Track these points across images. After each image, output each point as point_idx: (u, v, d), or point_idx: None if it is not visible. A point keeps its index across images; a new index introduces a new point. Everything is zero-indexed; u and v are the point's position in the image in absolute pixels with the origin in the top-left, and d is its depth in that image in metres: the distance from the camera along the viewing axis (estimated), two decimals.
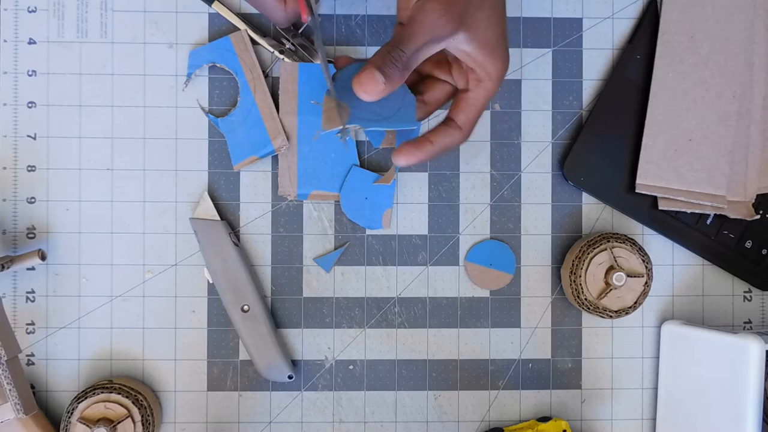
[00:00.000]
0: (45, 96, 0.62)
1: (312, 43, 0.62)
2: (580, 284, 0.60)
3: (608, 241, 0.60)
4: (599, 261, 0.60)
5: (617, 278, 0.59)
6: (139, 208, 0.63)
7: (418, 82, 0.53)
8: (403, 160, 0.50)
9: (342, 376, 0.63)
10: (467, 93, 0.50)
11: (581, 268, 0.60)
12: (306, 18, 0.51)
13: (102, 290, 0.62)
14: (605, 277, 0.60)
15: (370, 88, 0.45)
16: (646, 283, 0.60)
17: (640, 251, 0.60)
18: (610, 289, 0.59)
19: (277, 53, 0.62)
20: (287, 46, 0.62)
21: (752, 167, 0.62)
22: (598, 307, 0.60)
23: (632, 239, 0.61)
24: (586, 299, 0.60)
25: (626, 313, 0.60)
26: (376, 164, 0.63)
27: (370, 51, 0.63)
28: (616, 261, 0.60)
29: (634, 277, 0.60)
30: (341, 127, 0.55)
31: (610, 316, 0.60)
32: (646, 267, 0.60)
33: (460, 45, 0.47)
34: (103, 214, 0.62)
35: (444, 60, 0.52)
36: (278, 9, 0.51)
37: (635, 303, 0.60)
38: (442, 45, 0.47)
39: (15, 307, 0.62)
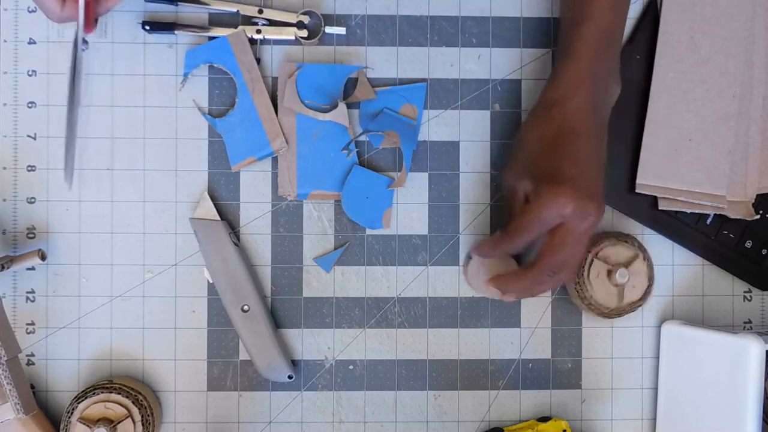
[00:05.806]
0: (45, 96, 0.62)
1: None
2: (584, 284, 0.60)
3: (608, 241, 0.60)
4: (600, 261, 0.60)
5: (620, 274, 0.59)
6: (139, 208, 0.62)
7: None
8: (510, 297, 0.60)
9: (342, 376, 0.63)
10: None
11: (583, 268, 0.60)
12: (91, 30, 0.52)
13: (102, 290, 0.62)
14: (608, 277, 0.60)
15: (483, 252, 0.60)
16: (648, 283, 0.60)
17: (641, 250, 0.60)
18: (617, 288, 0.59)
19: (254, 35, 0.62)
20: (260, 23, 0.62)
21: (752, 167, 0.62)
22: (601, 306, 0.60)
23: (632, 239, 0.61)
24: (591, 297, 0.60)
25: (632, 310, 0.60)
26: (376, 164, 0.63)
27: (370, 51, 0.63)
28: (616, 261, 0.60)
29: (635, 275, 0.60)
30: (347, 143, 0.59)
31: (616, 315, 0.60)
32: (647, 267, 0.60)
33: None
34: (103, 214, 0.62)
35: None
36: (55, 6, 0.51)
37: (639, 299, 0.60)
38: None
39: (15, 307, 0.62)
